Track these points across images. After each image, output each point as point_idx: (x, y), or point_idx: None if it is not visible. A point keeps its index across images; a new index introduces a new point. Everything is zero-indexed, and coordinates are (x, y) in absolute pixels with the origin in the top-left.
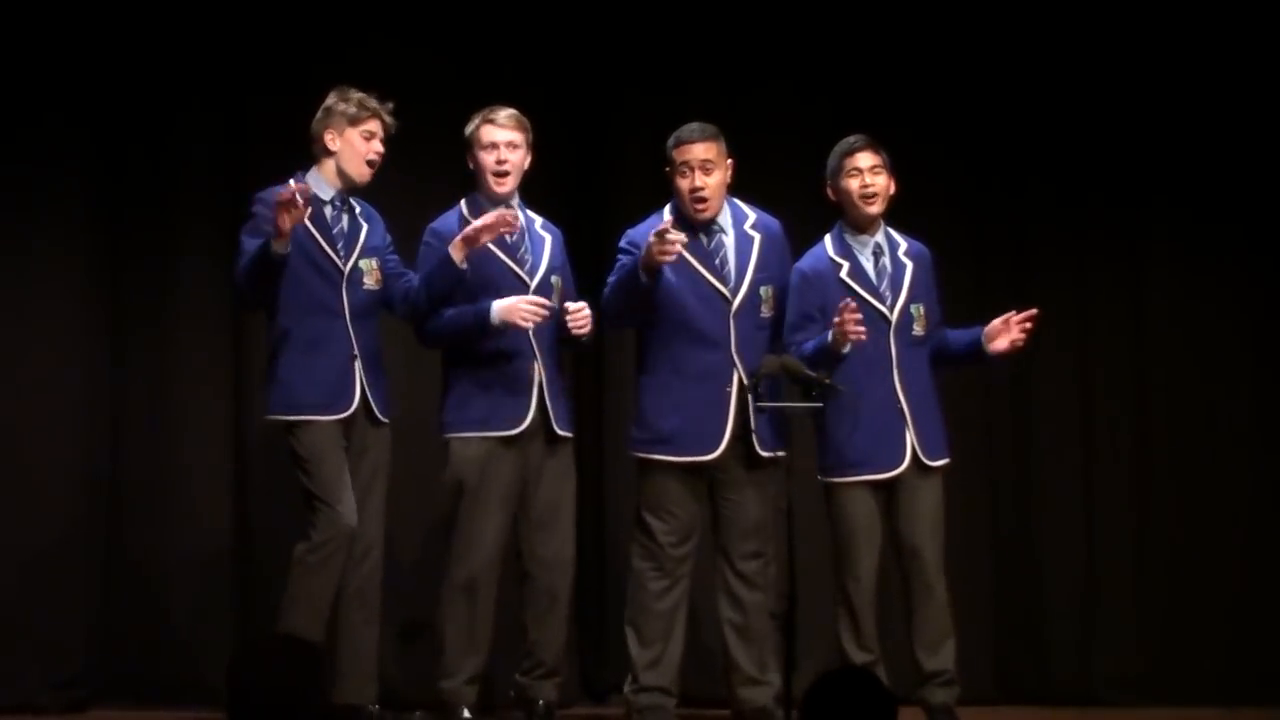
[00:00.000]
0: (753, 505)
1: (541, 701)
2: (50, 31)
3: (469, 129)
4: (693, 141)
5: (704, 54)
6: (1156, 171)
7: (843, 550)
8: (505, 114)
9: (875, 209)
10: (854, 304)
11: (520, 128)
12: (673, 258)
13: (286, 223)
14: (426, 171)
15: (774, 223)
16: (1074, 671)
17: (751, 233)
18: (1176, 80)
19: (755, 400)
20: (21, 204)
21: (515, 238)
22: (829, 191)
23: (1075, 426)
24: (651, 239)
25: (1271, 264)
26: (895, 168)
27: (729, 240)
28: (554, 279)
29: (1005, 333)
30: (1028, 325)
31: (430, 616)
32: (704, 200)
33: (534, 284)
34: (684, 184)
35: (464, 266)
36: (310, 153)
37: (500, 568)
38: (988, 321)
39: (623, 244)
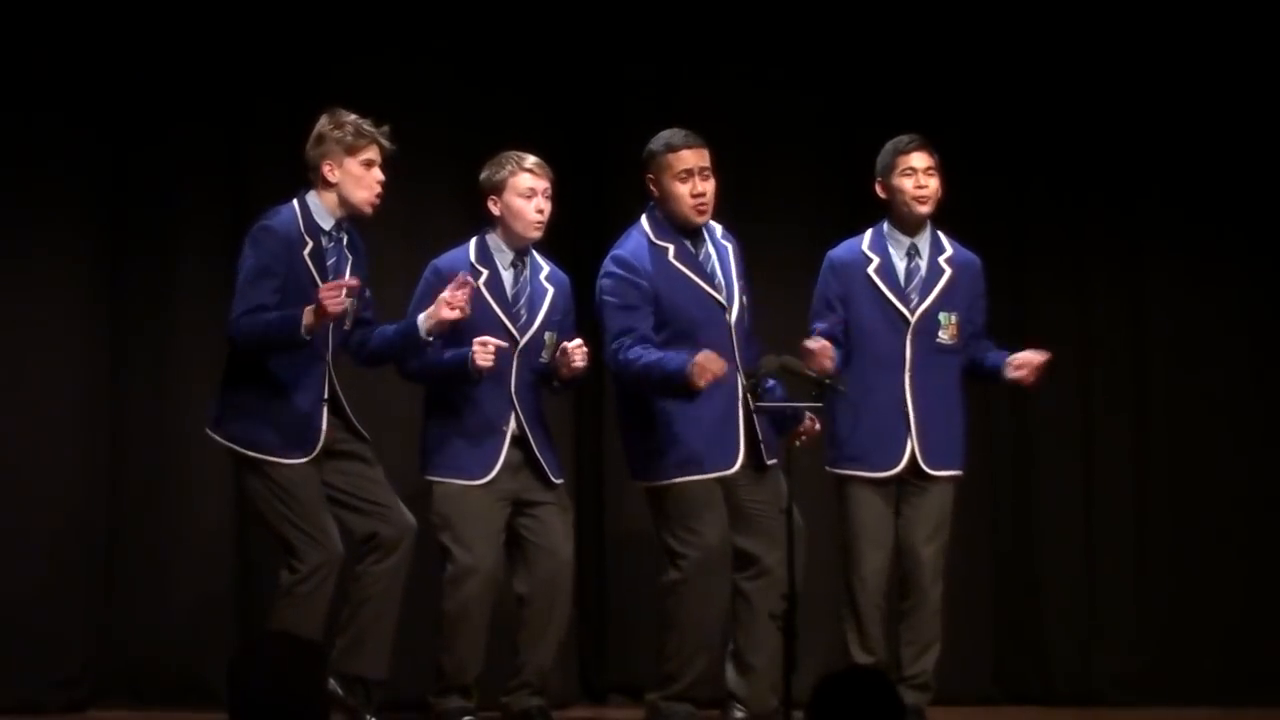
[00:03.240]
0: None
1: (532, 706)
2: (51, 33)
3: (499, 174)
4: (692, 147)
5: (702, 57)
6: (1156, 172)
7: (848, 549)
8: (535, 161)
9: (926, 209)
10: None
11: (550, 176)
12: (705, 384)
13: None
14: (424, 186)
15: (729, 234)
16: (1074, 671)
17: (724, 243)
18: (1176, 80)
19: (754, 400)
20: (22, 205)
21: (515, 290)
22: (878, 188)
23: (1075, 427)
24: (701, 379)
25: (1272, 264)
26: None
27: (710, 249)
28: (548, 335)
29: (1026, 366)
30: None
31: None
32: (707, 206)
33: (524, 341)
34: (685, 189)
35: (429, 339)
36: (305, 177)
37: (493, 595)
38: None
39: (614, 268)
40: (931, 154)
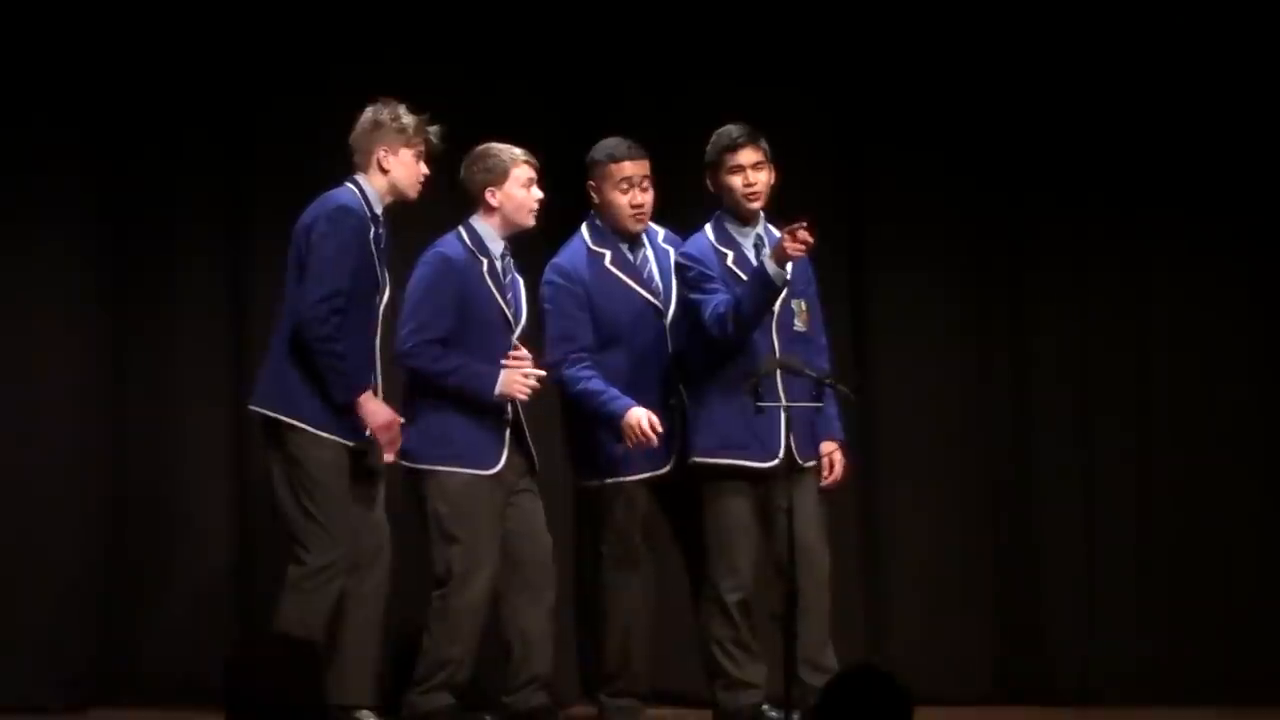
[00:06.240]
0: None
1: (539, 705)
2: (52, 33)
3: (498, 166)
4: (634, 158)
5: (702, 59)
6: (1157, 174)
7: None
8: (525, 151)
9: (757, 205)
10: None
11: (537, 165)
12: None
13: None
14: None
15: (675, 238)
16: (1074, 671)
17: (665, 246)
18: (1176, 82)
19: (755, 401)
20: (22, 205)
21: (508, 279)
22: (708, 183)
23: (1075, 427)
24: (630, 438)
25: (1273, 267)
26: (834, 166)
27: (650, 254)
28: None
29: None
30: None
31: (407, 630)
32: (644, 215)
33: (518, 330)
34: (625, 198)
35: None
36: (352, 163)
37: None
38: (986, 331)
39: (552, 276)
40: (759, 147)
